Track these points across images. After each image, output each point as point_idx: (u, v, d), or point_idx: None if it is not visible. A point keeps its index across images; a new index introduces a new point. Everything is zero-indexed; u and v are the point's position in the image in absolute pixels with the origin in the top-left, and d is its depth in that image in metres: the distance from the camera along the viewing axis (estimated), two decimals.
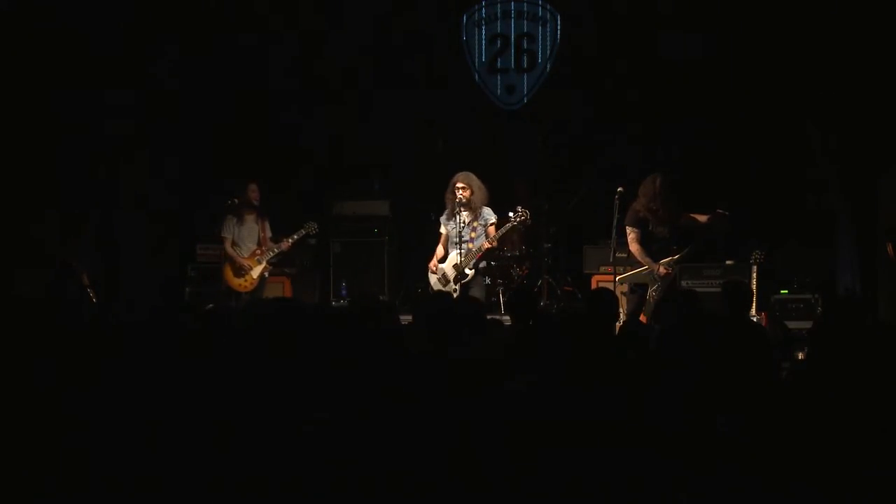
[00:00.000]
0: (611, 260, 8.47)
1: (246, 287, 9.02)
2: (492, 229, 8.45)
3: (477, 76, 10.62)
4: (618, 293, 7.19)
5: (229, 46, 9.96)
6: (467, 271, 8.42)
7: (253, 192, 9.09)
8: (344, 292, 9.91)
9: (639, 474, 3.38)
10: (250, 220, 9.12)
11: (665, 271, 8.23)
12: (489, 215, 8.50)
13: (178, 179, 9.93)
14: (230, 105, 10.04)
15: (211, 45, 9.89)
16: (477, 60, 10.60)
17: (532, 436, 3.42)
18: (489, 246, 8.37)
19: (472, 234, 8.42)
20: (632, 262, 8.49)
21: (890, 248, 8.19)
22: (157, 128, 9.74)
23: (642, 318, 8.04)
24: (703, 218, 8.39)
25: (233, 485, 3.55)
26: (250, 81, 10.08)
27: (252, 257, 9.07)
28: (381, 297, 9.56)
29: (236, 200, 9.07)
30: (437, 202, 9.47)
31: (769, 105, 9.59)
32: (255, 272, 9.05)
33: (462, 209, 8.43)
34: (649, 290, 8.25)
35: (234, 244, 9.10)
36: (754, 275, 8.37)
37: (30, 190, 9.16)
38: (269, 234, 9.18)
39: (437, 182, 9.99)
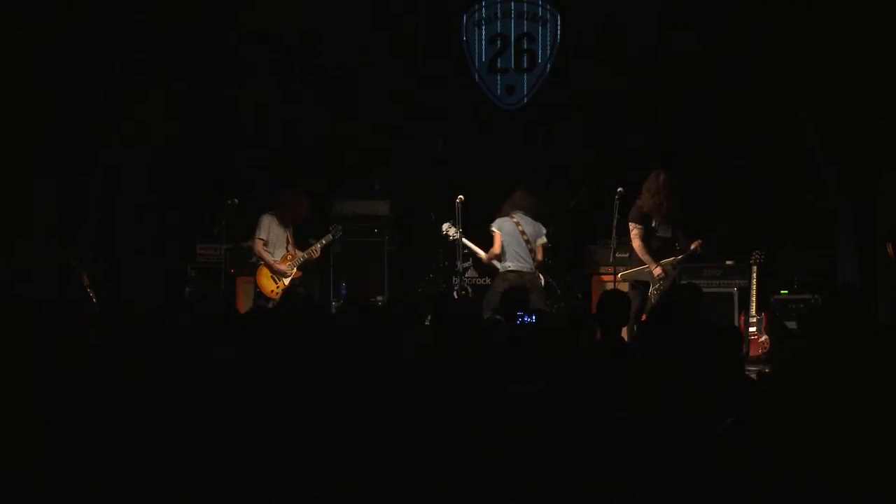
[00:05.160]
0: (611, 260, 8.47)
1: (277, 294, 8.78)
2: None
3: (477, 76, 10.59)
4: None
5: (226, 43, 9.95)
6: None
7: (305, 203, 8.97)
8: (343, 292, 9.90)
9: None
10: (284, 225, 8.94)
11: (660, 272, 8.22)
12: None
13: (177, 178, 9.92)
14: (230, 104, 10.03)
15: (210, 45, 9.88)
16: (477, 60, 10.57)
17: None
18: None
19: None
20: (631, 262, 8.48)
21: (890, 248, 8.18)
22: (156, 127, 9.73)
23: (643, 317, 8.03)
24: (686, 241, 8.39)
25: (232, 484, 3.54)
26: (249, 81, 10.06)
27: (284, 262, 8.94)
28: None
29: (236, 200, 9.02)
30: (438, 202, 9.47)
31: (769, 104, 9.58)
32: (288, 279, 8.90)
33: None
34: (651, 289, 8.25)
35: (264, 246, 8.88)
36: (754, 275, 8.38)
37: (29, 189, 9.15)
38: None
39: (437, 182, 10.00)
